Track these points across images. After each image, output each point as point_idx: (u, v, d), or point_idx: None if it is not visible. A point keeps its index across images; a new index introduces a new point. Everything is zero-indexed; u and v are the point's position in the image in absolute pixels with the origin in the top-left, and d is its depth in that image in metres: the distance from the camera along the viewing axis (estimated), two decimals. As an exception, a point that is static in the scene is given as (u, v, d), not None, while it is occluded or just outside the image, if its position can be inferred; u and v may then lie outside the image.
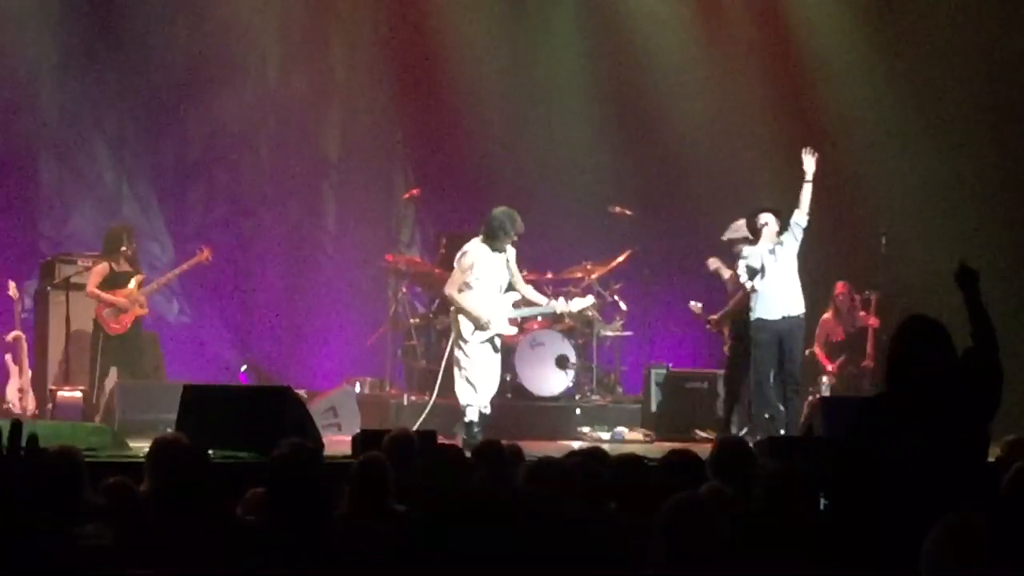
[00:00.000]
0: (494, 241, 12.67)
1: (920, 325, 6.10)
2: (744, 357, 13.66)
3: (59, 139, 16.29)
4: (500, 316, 12.78)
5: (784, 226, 13.27)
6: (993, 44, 15.77)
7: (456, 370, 12.77)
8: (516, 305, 13.05)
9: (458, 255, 12.88)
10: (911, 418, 5.85)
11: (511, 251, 12.82)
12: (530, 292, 13.14)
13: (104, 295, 14.11)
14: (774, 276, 13.30)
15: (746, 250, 13.44)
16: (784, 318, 13.29)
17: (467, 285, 12.69)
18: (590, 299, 13.55)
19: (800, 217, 13.16)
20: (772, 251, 13.31)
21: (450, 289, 12.76)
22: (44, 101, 16.19)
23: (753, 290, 13.35)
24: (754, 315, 13.40)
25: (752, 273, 13.39)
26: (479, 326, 12.66)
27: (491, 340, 12.84)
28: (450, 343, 12.98)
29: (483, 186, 16.51)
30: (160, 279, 14.66)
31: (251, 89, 17.02)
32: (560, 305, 13.26)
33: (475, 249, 12.74)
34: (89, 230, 15.99)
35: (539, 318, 14.94)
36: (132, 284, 14.19)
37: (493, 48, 17.02)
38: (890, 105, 16.25)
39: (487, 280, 12.76)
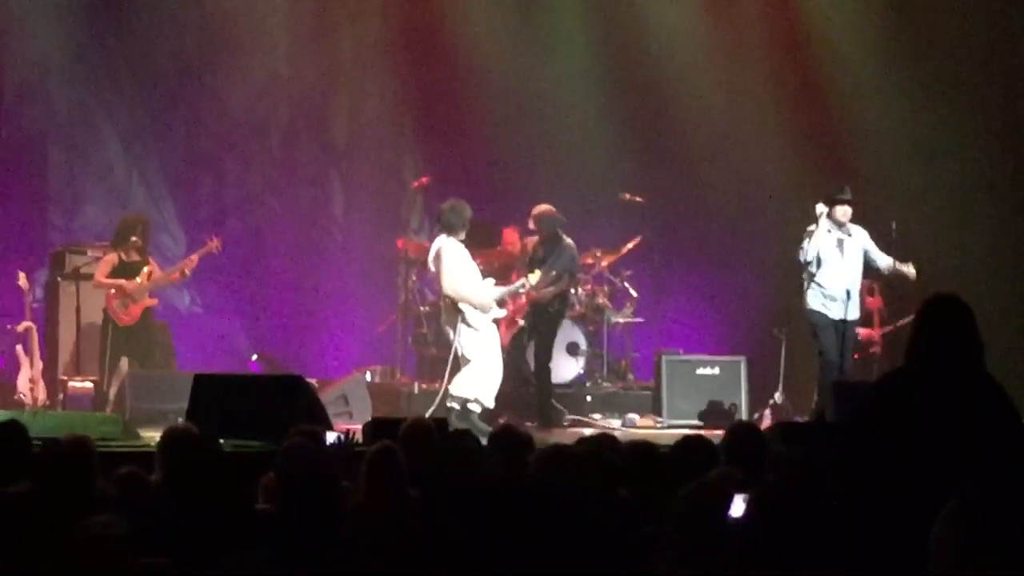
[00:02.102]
0: (455, 232, 12.92)
1: (945, 304, 6.07)
2: (540, 338, 13.88)
3: (69, 129, 16.30)
4: (491, 300, 12.95)
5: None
6: (1007, 36, 15.70)
7: (465, 365, 12.83)
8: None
9: (433, 256, 13.07)
10: (931, 397, 5.83)
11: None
12: None
13: (110, 281, 14.09)
14: (837, 271, 13.02)
15: (805, 239, 13.08)
16: (842, 321, 13.04)
17: (457, 278, 12.80)
18: (537, 274, 13.51)
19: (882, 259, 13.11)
20: (840, 243, 13.04)
21: (449, 285, 12.88)
22: (54, 92, 16.20)
23: (809, 277, 13.09)
24: (810, 305, 13.16)
25: (808, 265, 13.05)
26: (484, 311, 12.81)
27: (494, 332, 12.97)
28: (456, 339, 12.96)
29: (492, 173, 16.52)
30: (170, 270, 14.60)
31: (260, 77, 17.01)
32: (526, 281, 13.33)
33: (448, 244, 12.96)
34: (99, 220, 16.00)
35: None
36: (142, 275, 14.18)
37: (502, 34, 16.98)
38: (902, 94, 16.15)
39: (469, 268, 13.01)
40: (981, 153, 15.75)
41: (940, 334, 5.96)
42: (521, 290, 13.43)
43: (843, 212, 13.03)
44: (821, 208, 13.00)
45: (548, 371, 14.09)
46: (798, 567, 4.54)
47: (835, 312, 13.04)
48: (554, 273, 13.83)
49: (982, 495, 4.01)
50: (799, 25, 16.65)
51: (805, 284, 13.16)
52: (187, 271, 14.46)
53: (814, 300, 13.13)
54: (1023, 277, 15.32)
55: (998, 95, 15.77)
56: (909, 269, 13.10)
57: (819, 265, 13.03)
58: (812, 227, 13.06)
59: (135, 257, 14.22)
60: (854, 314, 13.12)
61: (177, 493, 6.34)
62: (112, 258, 14.21)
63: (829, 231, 13.04)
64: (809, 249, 13.00)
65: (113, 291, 14.08)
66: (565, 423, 13.98)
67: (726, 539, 4.75)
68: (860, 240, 13.12)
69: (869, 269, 13.25)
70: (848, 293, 13.00)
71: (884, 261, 13.14)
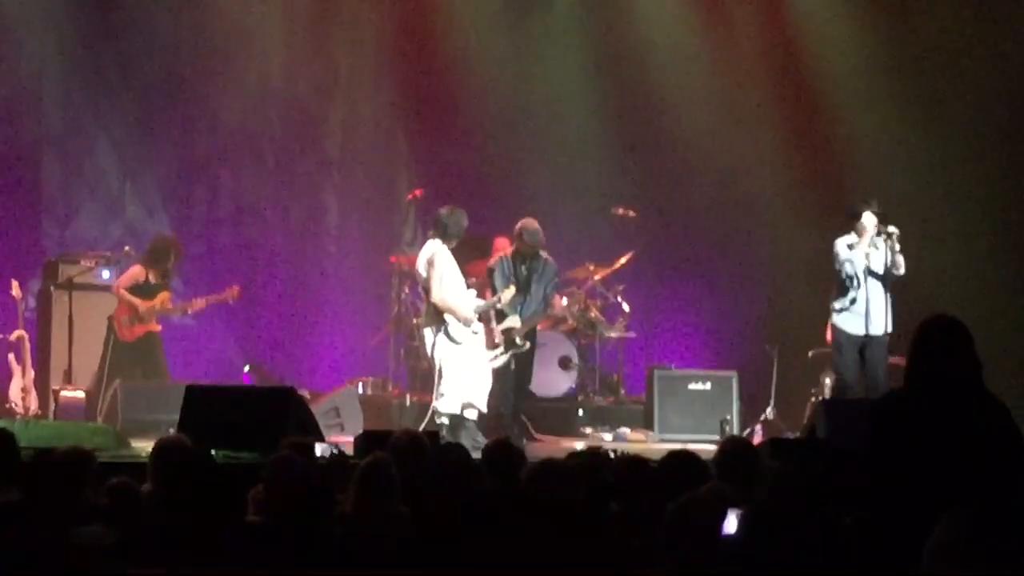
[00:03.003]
0: (450, 240, 12.85)
1: (942, 324, 6.07)
2: (527, 357, 13.70)
3: (62, 138, 16.30)
4: (473, 314, 12.96)
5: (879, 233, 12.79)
6: (1001, 44, 15.70)
7: (442, 378, 12.78)
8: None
9: (426, 260, 12.92)
10: (933, 416, 5.83)
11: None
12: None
13: (128, 297, 14.21)
14: (863, 285, 12.84)
15: (844, 251, 12.95)
16: (867, 336, 12.83)
17: (447, 287, 12.78)
18: (512, 289, 13.37)
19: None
20: (865, 256, 12.85)
21: (439, 292, 12.78)
22: (47, 100, 16.20)
23: (842, 292, 12.92)
24: (833, 320, 13.06)
25: (850, 279, 12.86)
26: (467, 324, 12.79)
27: (476, 342, 12.95)
28: (433, 349, 12.93)
29: (486, 187, 16.50)
30: (182, 305, 14.69)
31: (254, 88, 17.00)
32: (500, 296, 13.26)
33: (440, 250, 12.87)
34: (92, 230, 16.05)
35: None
36: (158, 298, 14.29)
37: (496, 47, 17.00)
38: (896, 108, 16.14)
39: (458, 278, 12.96)
40: (976, 162, 15.73)
41: (940, 353, 5.96)
42: (498, 305, 13.35)
43: (869, 223, 12.82)
44: (868, 219, 12.82)
45: (528, 384, 14.02)
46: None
47: (859, 327, 12.85)
48: (544, 292, 13.81)
49: (975, 515, 4.01)
50: (793, 39, 16.65)
51: (838, 301, 13.02)
52: (164, 313, 14.57)
53: (839, 316, 13.01)
54: (1020, 287, 15.31)
55: (992, 103, 15.75)
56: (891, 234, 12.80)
57: (849, 280, 12.90)
58: (842, 252, 12.93)
59: (157, 279, 14.34)
60: (879, 328, 12.80)
61: (169, 504, 6.34)
62: (140, 273, 14.34)
63: (851, 245, 12.89)
64: (855, 260, 12.86)
65: (125, 306, 14.20)
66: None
67: (720, 555, 4.75)
68: (883, 251, 12.87)
69: (890, 276, 12.92)
70: (873, 307, 12.78)
71: (890, 258, 12.85)
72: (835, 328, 13.10)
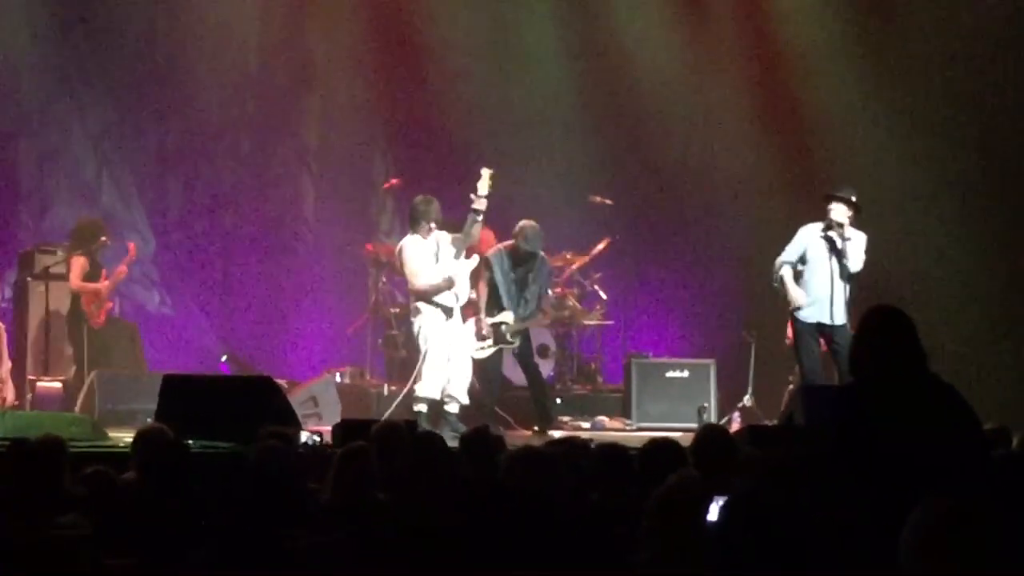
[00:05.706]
0: (418, 227, 13.01)
1: (883, 316, 6.05)
2: (522, 345, 13.66)
3: (39, 129, 16.23)
4: (461, 282, 12.94)
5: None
6: (978, 43, 15.70)
7: (430, 361, 12.81)
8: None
9: (397, 256, 13.18)
10: (885, 406, 5.83)
11: (444, 236, 13.07)
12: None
13: (89, 286, 14.22)
14: (823, 273, 12.59)
15: (799, 239, 12.78)
16: (826, 324, 12.62)
17: (418, 274, 12.85)
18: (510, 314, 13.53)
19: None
20: (831, 243, 12.57)
21: (413, 285, 12.97)
22: (23, 90, 16.12)
23: (782, 282, 12.73)
24: (793, 305, 12.85)
25: (805, 267, 12.69)
26: (446, 302, 12.82)
27: (460, 329, 12.95)
28: (419, 336, 12.98)
29: (463, 176, 16.45)
30: (114, 275, 14.65)
31: (230, 78, 16.96)
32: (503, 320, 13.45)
33: (408, 242, 13.07)
34: (69, 220, 15.95)
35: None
36: (103, 277, 14.36)
37: (474, 37, 16.98)
38: (873, 98, 16.13)
39: (429, 262, 12.93)
40: (953, 159, 15.73)
41: (884, 342, 5.93)
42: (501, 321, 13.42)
43: (838, 211, 12.58)
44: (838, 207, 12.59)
45: (540, 373, 14.02)
46: (775, 571, 4.55)
47: (817, 315, 12.65)
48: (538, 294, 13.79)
49: (948, 505, 4.01)
50: (770, 29, 16.66)
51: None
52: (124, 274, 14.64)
53: (799, 302, 12.79)
54: (994, 280, 15.32)
55: (970, 99, 15.76)
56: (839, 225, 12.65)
57: (806, 264, 12.75)
58: (810, 227, 12.79)
59: (96, 260, 14.36)
60: (840, 318, 12.52)
61: (150, 493, 6.33)
62: (83, 262, 14.30)
63: (823, 231, 12.66)
64: (804, 245, 12.76)
65: (88, 296, 14.22)
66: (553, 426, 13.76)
67: (705, 542, 4.75)
68: (856, 244, 12.60)
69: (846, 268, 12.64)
70: (831, 296, 12.55)
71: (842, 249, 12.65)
72: (793, 316, 12.97)
